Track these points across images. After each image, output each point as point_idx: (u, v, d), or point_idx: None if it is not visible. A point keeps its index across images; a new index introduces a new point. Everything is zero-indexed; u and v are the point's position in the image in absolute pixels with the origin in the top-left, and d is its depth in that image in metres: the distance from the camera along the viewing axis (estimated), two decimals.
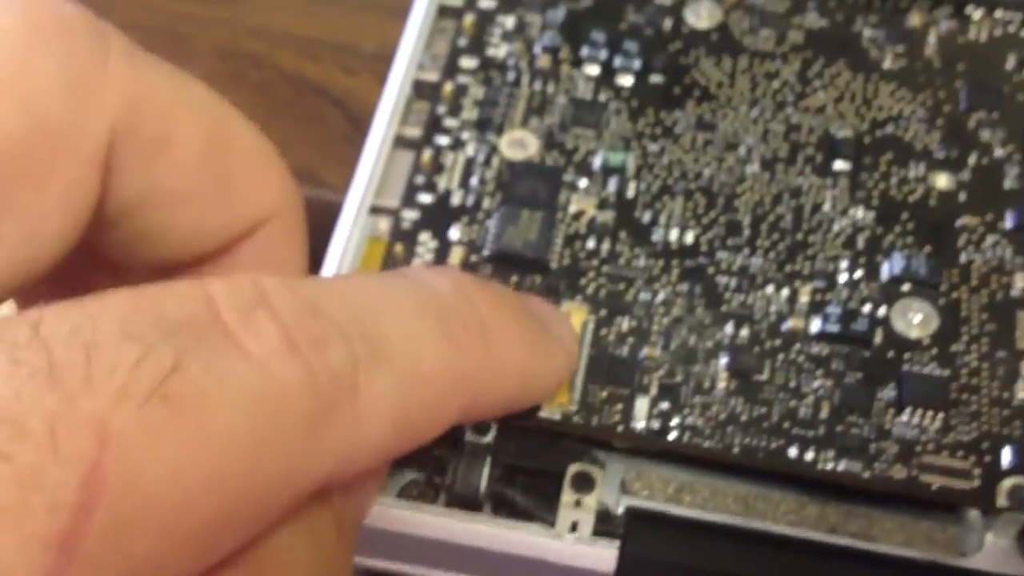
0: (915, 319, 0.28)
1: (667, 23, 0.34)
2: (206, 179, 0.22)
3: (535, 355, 0.24)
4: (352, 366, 0.18)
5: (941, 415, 0.27)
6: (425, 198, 0.30)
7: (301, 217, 0.25)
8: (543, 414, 0.27)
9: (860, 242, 0.30)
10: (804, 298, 0.29)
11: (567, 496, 0.26)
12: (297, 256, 0.25)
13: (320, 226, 0.28)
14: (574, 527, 0.26)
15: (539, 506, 0.26)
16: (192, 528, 0.16)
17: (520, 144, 0.31)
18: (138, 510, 0.15)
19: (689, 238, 0.30)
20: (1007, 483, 0.26)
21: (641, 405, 0.27)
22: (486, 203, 0.30)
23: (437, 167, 0.31)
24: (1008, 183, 0.31)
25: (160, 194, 0.22)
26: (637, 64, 0.33)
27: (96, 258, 0.23)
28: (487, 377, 0.22)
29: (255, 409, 0.17)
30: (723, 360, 0.28)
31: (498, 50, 0.33)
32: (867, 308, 0.29)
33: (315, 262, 0.28)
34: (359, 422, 0.18)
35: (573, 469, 0.26)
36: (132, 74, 0.21)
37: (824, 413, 0.27)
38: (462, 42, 0.33)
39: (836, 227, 0.30)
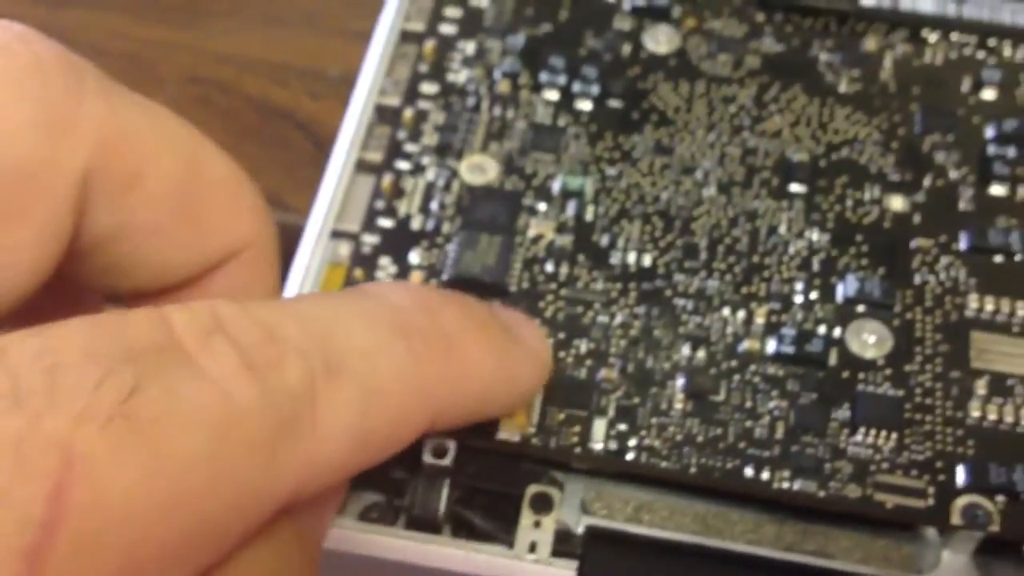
0: (870, 340, 0.29)
1: (626, 48, 0.34)
2: (178, 213, 0.22)
3: (503, 363, 0.24)
4: (310, 384, 0.19)
5: (895, 435, 0.27)
6: (385, 223, 0.31)
7: (274, 246, 0.25)
8: (502, 436, 0.27)
9: (815, 264, 0.30)
10: (760, 319, 0.29)
11: (526, 517, 0.26)
12: (268, 284, 0.25)
13: (286, 250, 0.29)
14: (533, 548, 0.26)
15: (498, 527, 0.27)
16: (155, 546, 0.16)
17: (480, 169, 0.32)
18: (102, 527, 0.16)
19: (647, 261, 0.30)
20: (961, 501, 0.26)
21: (599, 427, 0.27)
22: (446, 227, 0.30)
23: (397, 192, 0.31)
24: (962, 205, 0.32)
25: (132, 228, 0.22)
26: (596, 89, 0.33)
27: (68, 287, 0.23)
28: (452, 388, 0.22)
29: (214, 430, 0.17)
30: (680, 381, 0.28)
31: (458, 75, 0.34)
32: (822, 329, 0.29)
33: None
34: (319, 440, 0.19)
35: (532, 490, 0.27)
36: (107, 111, 0.21)
37: (779, 433, 0.27)
38: (423, 67, 0.34)
39: (792, 249, 0.30)
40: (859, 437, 0.27)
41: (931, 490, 0.27)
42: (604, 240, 0.30)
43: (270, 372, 0.18)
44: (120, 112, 0.21)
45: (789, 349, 0.28)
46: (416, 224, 0.31)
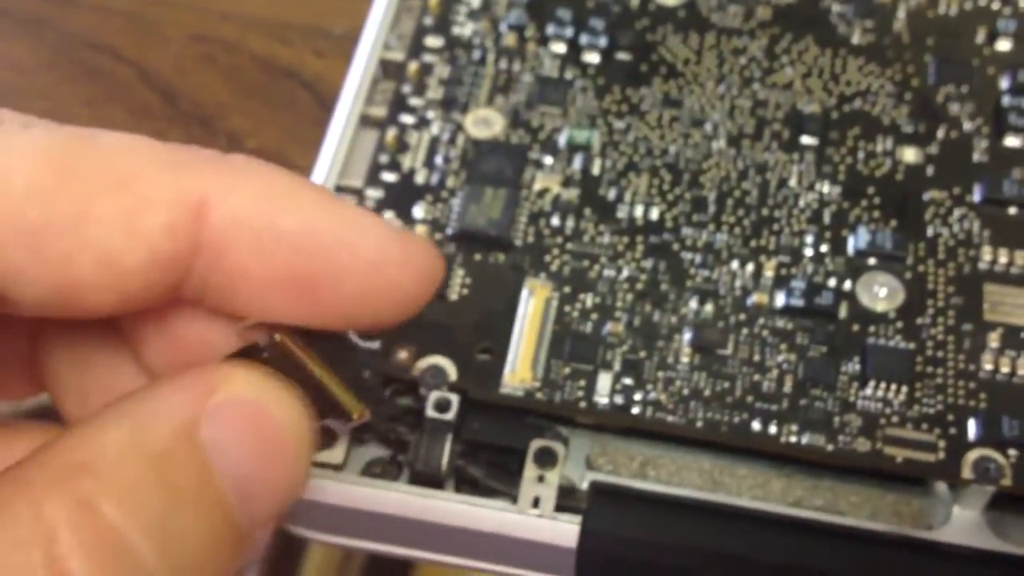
0: (880, 293, 0.28)
1: (634, 0, 0.34)
2: (53, 209, 0.19)
3: None
4: None
5: (906, 388, 0.27)
6: (389, 177, 0.30)
7: (246, 172, 0.21)
8: (505, 391, 0.27)
9: (826, 217, 0.30)
10: (769, 273, 0.29)
11: (530, 472, 0.26)
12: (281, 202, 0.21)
13: None
14: (536, 503, 0.26)
15: (502, 482, 0.26)
16: None
17: (485, 122, 0.31)
18: None
19: (654, 214, 0.30)
20: (972, 455, 0.26)
21: (604, 381, 0.27)
22: (451, 182, 0.30)
23: (402, 146, 0.31)
24: (976, 156, 0.31)
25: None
26: (603, 42, 0.33)
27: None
28: None
29: None
30: (687, 335, 0.28)
31: (464, 29, 0.33)
32: (832, 282, 0.28)
33: None
34: None
35: (536, 445, 0.26)
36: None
37: (788, 387, 0.27)
38: (428, 21, 0.33)
39: (802, 202, 0.30)
40: (869, 391, 0.27)
41: (942, 444, 0.26)
42: (611, 194, 0.30)
43: None
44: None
45: (798, 302, 0.28)
46: (420, 178, 0.30)
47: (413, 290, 0.21)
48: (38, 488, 0.17)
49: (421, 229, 0.29)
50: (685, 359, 0.27)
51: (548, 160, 0.30)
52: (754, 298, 0.28)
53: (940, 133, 0.31)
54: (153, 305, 0.20)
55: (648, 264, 0.29)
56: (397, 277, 0.21)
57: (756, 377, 0.27)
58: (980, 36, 0.33)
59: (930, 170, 0.31)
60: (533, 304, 0.28)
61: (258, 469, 0.19)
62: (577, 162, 0.30)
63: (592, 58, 0.33)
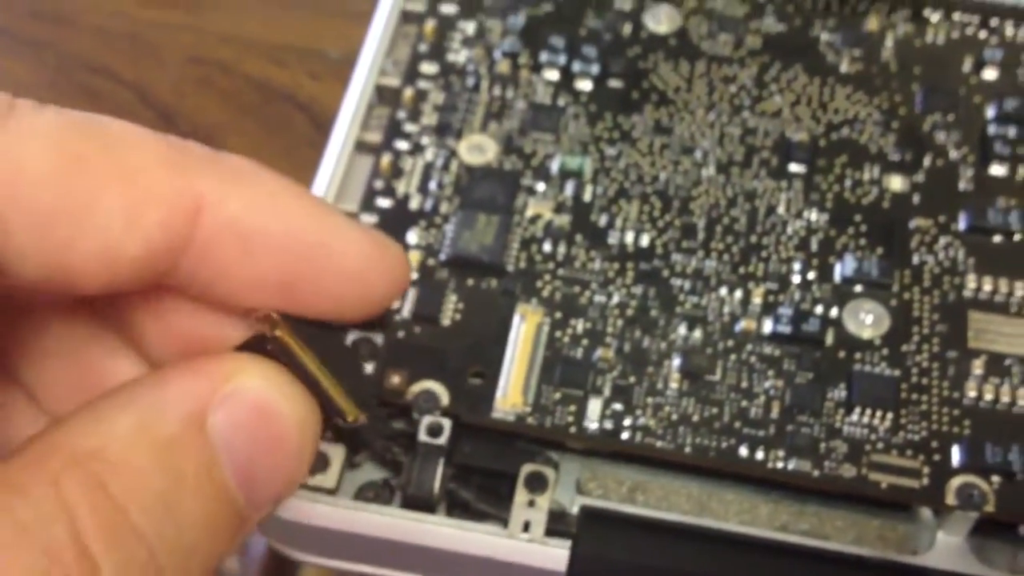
0: (867, 320, 0.29)
1: (626, 28, 0.34)
2: (62, 196, 0.19)
3: None
4: None
5: (891, 415, 0.27)
6: (384, 202, 0.31)
7: (240, 171, 0.21)
8: (497, 415, 0.27)
9: (813, 244, 0.30)
10: (757, 299, 0.29)
11: (520, 496, 0.26)
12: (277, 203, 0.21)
13: None
14: (527, 527, 0.26)
15: (493, 506, 0.27)
16: None
17: (479, 148, 0.32)
18: None
19: (644, 241, 0.30)
20: (956, 481, 0.26)
21: (594, 406, 0.27)
22: (444, 207, 0.30)
23: (396, 172, 0.31)
24: (962, 185, 0.31)
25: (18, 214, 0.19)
26: (596, 69, 0.33)
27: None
28: None
29: None
30: (676, 361, 0.28)
31: (458, 56, 0.34)
32: (819, 309, 0.29)
33: None
34: None
35: (527, 470, 0.27)
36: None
37: (775, 413, 0.27)
38: (423, 48, 0.34)
39: (790, 229, 0.30)
40: (855, 417, 0.27)
41: (926, 470, 0.27)
42: (602, 220, 0.30)
43: None
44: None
45: (786, 329, 0.28)
46: (414, 204, 0.31)
47: (386, 294, 0.22)
48: (55, 469, 0.18)
49: (414, 255, 0.30)
50: (674, 385, 0.28)
51: (540, 186, 0.31)
52: (742, 324, 0.29)
53: (926, 161, 0.32)
54: (136, 289, 0.21)
55: (638, 290, 0.29)
56: (375, 284, 0.22)
57: (744, 403, 0.27)
58: (967, 65, 0.34)
59: (916, 198, 0.31)
60: (524, 329, 0.28)
61: (262, 460, 0.20)
62: (569, 188, 0.31)
63: (584, 85, 0.33)
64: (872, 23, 0.35)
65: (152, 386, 0.20)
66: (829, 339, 0.28)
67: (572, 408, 0.27)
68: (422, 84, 0.33)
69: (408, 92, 0.33)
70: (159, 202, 0.20)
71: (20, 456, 0.18)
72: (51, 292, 0.20)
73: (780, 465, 0.27)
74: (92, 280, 0.20)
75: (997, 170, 0.32)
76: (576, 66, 0.33)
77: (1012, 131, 0.32)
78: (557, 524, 0.26)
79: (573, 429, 0.27)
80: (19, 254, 0.19)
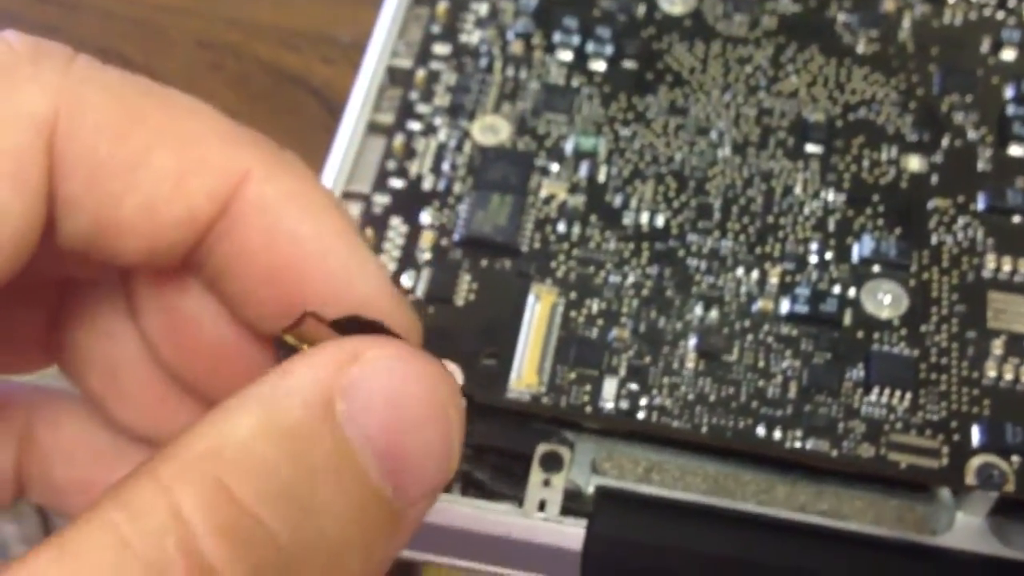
0: (885, 300, 0.28)
1: (640, 9, 0.34)
2: (117, 148, 0.19)
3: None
4: None
5: (909, 394, 0.27)
6: (397, 183, 0.30)
7: (280, 161, 0.21)
8: (511, 395, 0.27)
9: (831, 224, 0.30)
10: (774, 280, 0.29)
11: (535, 476, 0.26)
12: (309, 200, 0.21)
13: None
14: (542, 506, 0.26)
15: (508, 486, 0.26)
16: None
17: (492, 129, 0.31)
18: None
19: (660, 221, 0.30)
20: (975, 461, 0.26)
21: (610, 386, 0.27)
22: (457, 188, 0.30)
23: (409, 153, 0.31)
24: (980, 165, 0.31)
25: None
26: (609, 50, 0.33)
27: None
28: None
29: None
30: (692, 341, 0.28)
31: (471, 36, 0.33)
32: (837, 289, 0.29)
33: None
34: None
35: (542, 449, 0.26)
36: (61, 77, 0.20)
37: (792, 393, 0.27)
38: (435, 29, 0.34)
39: (807, 210, 0.30)
40: (873, 397, 0.27)
41: (945, 450, 0.26)
42: (617, 200, 0.30)
43: None
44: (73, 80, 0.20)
45: (803, 309, 0.28)
46: (428, 184, 0.30)
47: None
48: (167, 476, 0.17)
49: (428, 235, 0.29)
50: (690, 365, 0.27)
51: (554, 167, 0.31)
52: (759, 305, 0.28)
53: (944, 142, 0.31)
54: (167, 265, 0.20)
55: (653, 270, 0.29)
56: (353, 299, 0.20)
57: (761, 383, 0.27)
58: (985, 46, 0.34)
59: (934, 179, 0.31)
60: (539, 310, 0.28)
61: (403, 442, 0.18)
62: (583, 169, 0.31)
63: (598, 66, 0.33)
64: (889, 4, 0.34)
65: (272, 379, 0.18)
66: (847, 319, 0.28)
67: (587, 388, 0.27)
68: (435, 65, 0.33)
69: (420, 73, 0.32)
70: (209, 171, 0.19)
71: (132, 472, 0.17)
72: (95, 258, 0.20)
73: (798, 445, 0.26)
74: (134, 243, 0.19)
75: (1016, 151, 0.31)
76: (590, 47, 0.33)
77: None
78: (573, 504, 0.26)
79: (588, 409, 0.27)
80: (74, 204, 0.19)
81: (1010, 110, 0.32)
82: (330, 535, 0.17)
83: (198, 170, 0.19)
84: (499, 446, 0.27)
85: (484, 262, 0.29)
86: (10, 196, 0.19)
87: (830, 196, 0.30)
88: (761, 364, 0.27)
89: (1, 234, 0.18)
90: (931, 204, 0.30)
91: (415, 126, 0.31)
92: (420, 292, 0.28)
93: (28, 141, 0.19)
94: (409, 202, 0.30)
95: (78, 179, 0.19)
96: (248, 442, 0.17)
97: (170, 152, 0.19)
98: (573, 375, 0.27)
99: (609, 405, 0.27)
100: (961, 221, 0.30)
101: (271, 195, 0.20)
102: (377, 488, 0.18)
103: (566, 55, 0.33)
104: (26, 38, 0.20)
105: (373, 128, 0.32)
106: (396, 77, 0.33)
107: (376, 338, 0.19)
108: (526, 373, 0.27)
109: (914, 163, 0.31)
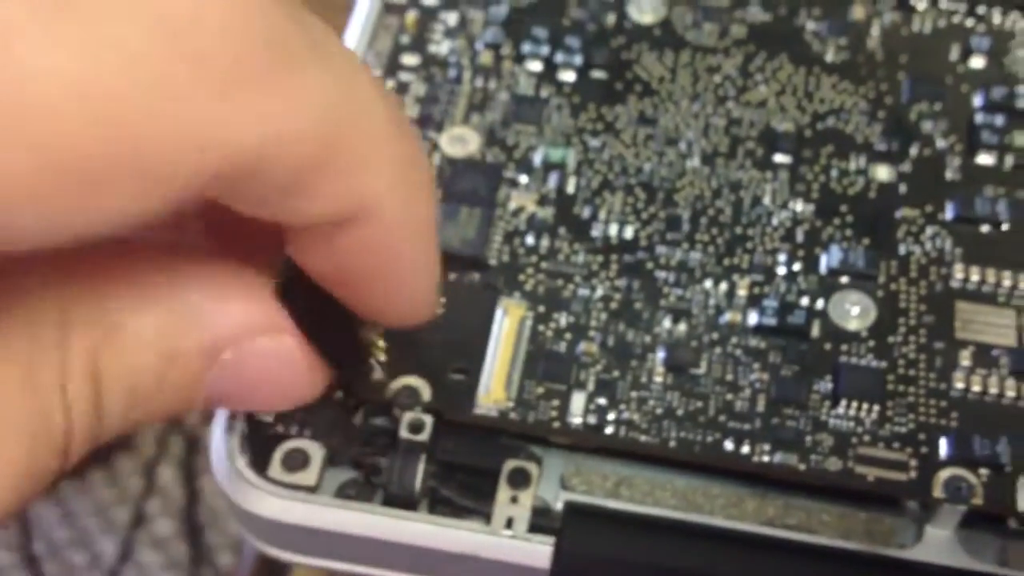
0: (853, 311, 0.28)
1: (610, 18, 0.34)
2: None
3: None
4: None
5: (877, 407, 0.27)
6: None
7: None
8: (479, 411, 0.27)
9: (799, 235, 0.30)
10: (742, 291, 0.29)
11: (503, 493, 0.26)
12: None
13: None
14: (510, 523, 0.26)
15: (476, 503, 0.26)
16: (71, 156, 0.14)
17: (461, 140, 0.31)
18: (13, 113, 0.14)
19: (628, 233, 0.30)
20: (944, 474, 0.26)
21: (578, 401, 0.27)
22: None
23: None
24: (949, 174, 0.31)
25: None
26: (579, 60, 0.33)
27: None
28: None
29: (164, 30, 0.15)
30: (660, 355, 0.28)
31: (440, 47, 0.33)
32: (805, 301, 0.29)
33: None
34: (288, 102, 0.17)
35: (509, 466, 0.26)
36: None
37: (760, 406, 0.27)
38: (404, 39, 0.33)
39: (775, 220, 0.30)
40: (841, 409, 0.27)
41: (914, 463, 0.26)
42: (586, 212, 0.30)
43: None
44: None
45: (771, 321, 0.28)
46: None
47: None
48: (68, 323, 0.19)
49: None
50: (659, 378, 0.27)
51: (523, 179, 0.31)
52: (727, 317, 0.28)
53: (913, 151, 0.31)
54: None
55: (622, 283, 0.29)
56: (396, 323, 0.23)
57: (729, 396, 0.27)
58: (954, 54, 0.34)
59: (903, 188, 0.31)
60: (507, 324, 0.28)
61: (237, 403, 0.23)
62: (552, 180, 0.31)
63: (568, 76, 0.33)
64: (858, 12, 0.34)
65: (199, 291, 0.20)
66: (815, 331, 0.28)
67: (555, 403, 0.27)
68: (403, 76, 0.33)
69: (389, 84, 0.32)
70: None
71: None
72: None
73: (766, 459, 0.26)
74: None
75: (984, 159, 0.31)
76: (559, 57, 0.33)
77: (999, 120, 0.32)
78: (541, 520, 0.26)
79: (556, 424, 0.27)
80: None
81: (979, 118, 0.32)
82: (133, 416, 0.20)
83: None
84: (466, 463, 0.26)
85: (452, 276, 0.29)
86: None
87: (798, 206, 0.30)
88: (729, 377, 0.27)
89: None
90: (899, 214, 0.30)
91: None
92: None
93: None
94: None
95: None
96: (136, 338, 0.19)
97: None
98: (541, 390, 0.27)
99: (577, 420, 0.27)
100: (929, 231, 0.30)
101: (387, 183, 0.20)
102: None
103: (535, 65, 0.33)
104: None
105: None
106: None
107: (286, 319, 0.21)
108: (494, 388, 0.27)
109: (882, 172, 0.31)
